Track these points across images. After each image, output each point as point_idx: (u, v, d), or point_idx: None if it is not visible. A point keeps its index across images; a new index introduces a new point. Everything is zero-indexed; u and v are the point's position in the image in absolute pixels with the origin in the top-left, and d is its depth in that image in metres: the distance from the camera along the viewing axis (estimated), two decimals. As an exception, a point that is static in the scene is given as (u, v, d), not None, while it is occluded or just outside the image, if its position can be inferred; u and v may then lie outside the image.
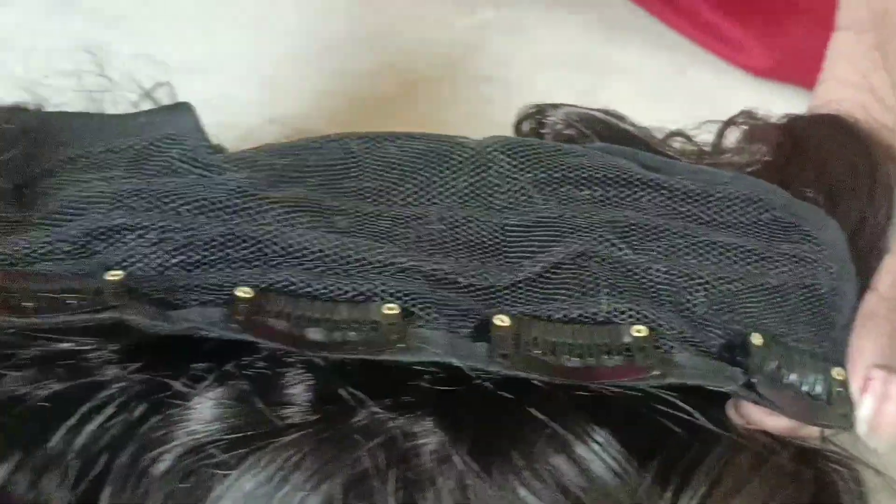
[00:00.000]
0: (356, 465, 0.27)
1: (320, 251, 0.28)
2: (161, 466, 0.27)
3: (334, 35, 0.50)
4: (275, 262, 0.28)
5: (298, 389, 0.29)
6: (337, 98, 0.50)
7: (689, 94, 0.49)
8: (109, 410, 0.28)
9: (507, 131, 0.39)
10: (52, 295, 0.27)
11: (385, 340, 0.27)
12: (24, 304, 0.26)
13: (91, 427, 0.28)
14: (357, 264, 0.29)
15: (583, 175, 0.31)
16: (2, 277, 0.27)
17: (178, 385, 0.28)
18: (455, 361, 0.26)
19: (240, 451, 0.27)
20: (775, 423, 0.28)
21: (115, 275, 0.27)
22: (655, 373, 0.27)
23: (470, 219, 0.30)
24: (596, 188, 0.31)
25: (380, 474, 0.26)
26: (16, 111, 0.34)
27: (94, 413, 0.28)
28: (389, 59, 0.51)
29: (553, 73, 0.50)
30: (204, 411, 0.28)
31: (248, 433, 0.27)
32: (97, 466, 0.28)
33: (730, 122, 0.38)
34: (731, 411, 0.29)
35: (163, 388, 0.28)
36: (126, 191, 0.29)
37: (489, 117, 0.47)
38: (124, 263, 0.28)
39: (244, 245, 0.28)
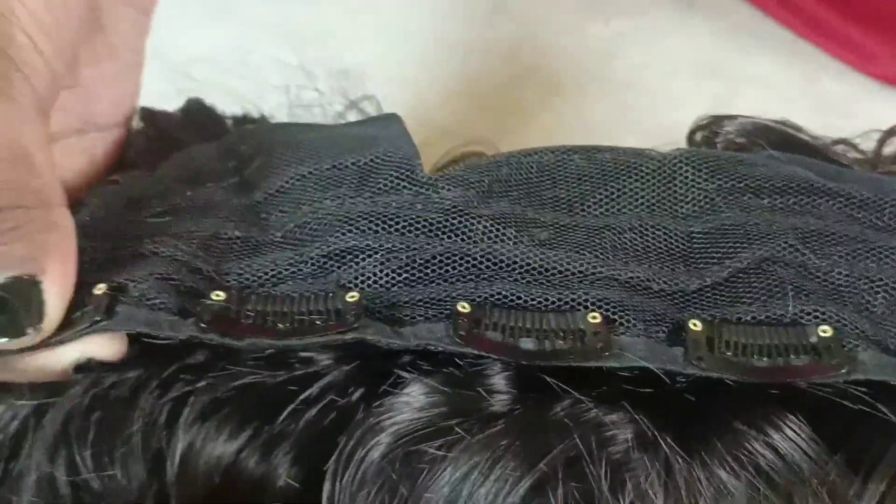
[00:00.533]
0: (567, 449, 0.29)
1: (527, 264, 0.31)
2: (377, 451, 0.29)
3: (473, 41, 0.52)
4: (486, 276, 0.30)
5: (500, 378, 0.31)
6: (476, 102, 0.52)
7: (820, 103, 0.50)
8: (329, 396, 0.30)
9: (650, 138, 0.41)
10: (301, 317, 0.29)
11: (591, 349, 0.29)
12: (278, 325, 0.29)
13: (313, 411, 0.30)
14: (560, 275, 0.31)
15: (763, 184, 0.33)
16: (258, 300, 0.30)
17: (399, 371, 0.30)
18: (654, 367, 0.28)
19: (453, 436, 0.29)
20: None
21: (353, 296, 0.29)
22: (843, 371, 0.28)
23: (658, 227, 0.32)
24: (776, 196, 0.33)
25: (591, 456, 0.28)
26: (245, 122, 0.37)
27: (316, 398, 0.30)
28: (528, 65, 0.53)
29: (688, 80, 0.51)
30: (417, 398, 0.30)
31: (460, 420, 0.29)
32: (320, 446, 0.30)
33: (891, 132, 0.39)
34: None
35: (378, 376, 0.30)
36: (356, 213, 0.31)
37: (631, 124, 0.49)
38: (356, 282, 0.30)
39: (459, 262, 0.31)
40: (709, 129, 0.39)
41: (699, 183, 0.33)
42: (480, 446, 0.29)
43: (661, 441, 0.28)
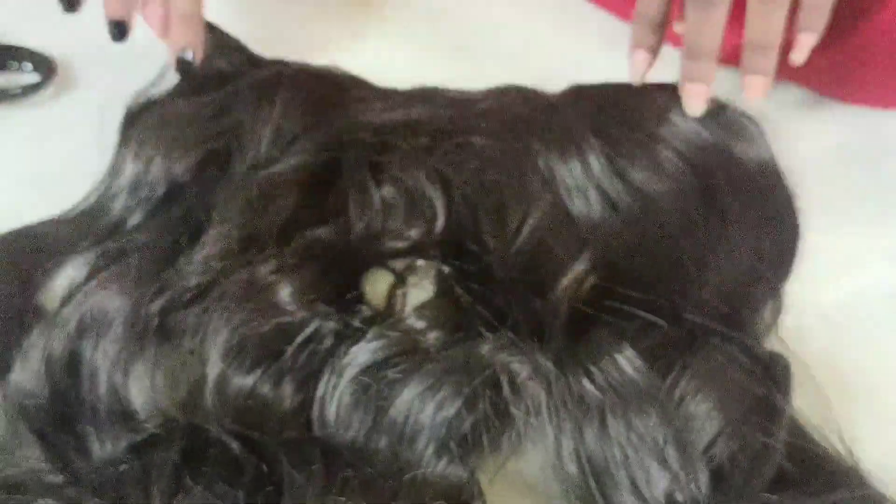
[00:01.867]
0: (485, 379, 0.42)
1: None
2: (347, 378, 0.42)
3: (436, 81, 0.63)
4: None
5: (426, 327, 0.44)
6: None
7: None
8: (313, 342, 0.43)
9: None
10: None
11: None
12: None
13: (303, 355, 0.43)
14: None
15: None
16: None
17: (355, 324, 0.43)
18: None
19: (403, 367, 0.42)
20: None
21: None
22: None
23: None
24: None
25: (496, 383, 0.41)
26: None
27: (305, 343, 0.43)
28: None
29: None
30: (372, 343, 0.43)
31: (407, 356, 0.42)
32: (311, 379, 0.43)
33: None
34: None
35: (343, 327, 0.43)
36: None
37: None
38: None
39: None
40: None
41: None
42: (427, 375, 0.42)
43: (545, 364, 0.41)
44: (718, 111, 0.56)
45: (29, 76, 0.67)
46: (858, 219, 0.56)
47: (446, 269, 0.49)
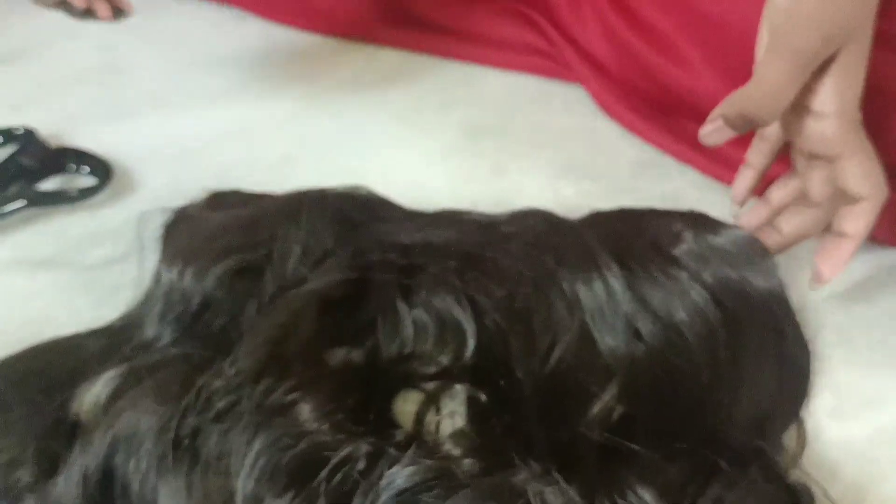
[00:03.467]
0: None
1: None
2: (382, 498, 0.43)
3: (478, 199, 0.66)
4: None
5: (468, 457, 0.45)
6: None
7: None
8: (347, 464, 0.44)
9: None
10: None
11: None
12: None
13: (336, 479, 0.44)
14: None
15: None
16: None
17: (389, 449, 0.44)
18: None
19: (438, 492, 0.43)
20: None
21: None
22: None
23: None
24: None
25: None
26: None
27: (335, 469, 0.44)
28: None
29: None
30: (409, 466, 0.44)
31: (442, 482, 0.43)
32: (342, 499, 0.44)
33: None
34: None
35: (377, 451, 0.45)
36: None
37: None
38: None
39: None
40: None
41: None
42: (461, 500, 0.43)
43: (573, 496, 0.42)
44: (732, 235, 0.58)
45: (86, 179, 0.70)
46: (883, 354, 0.57)
47: (482, 396, 0.50)
